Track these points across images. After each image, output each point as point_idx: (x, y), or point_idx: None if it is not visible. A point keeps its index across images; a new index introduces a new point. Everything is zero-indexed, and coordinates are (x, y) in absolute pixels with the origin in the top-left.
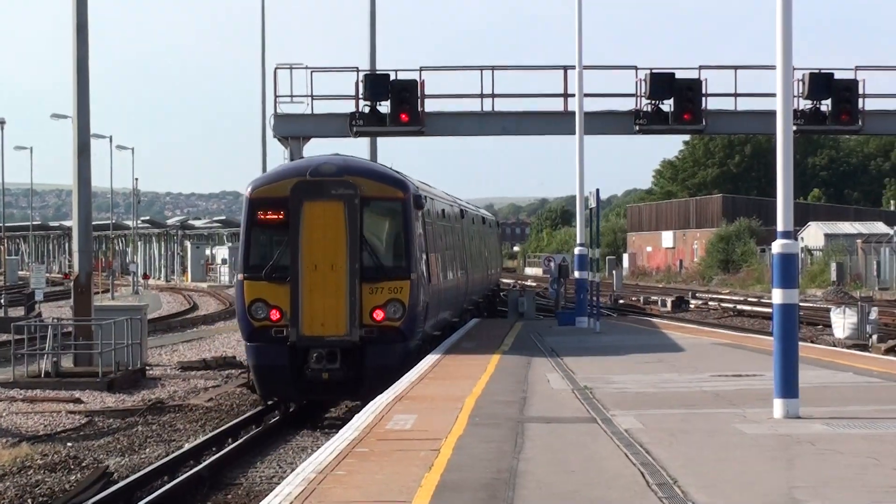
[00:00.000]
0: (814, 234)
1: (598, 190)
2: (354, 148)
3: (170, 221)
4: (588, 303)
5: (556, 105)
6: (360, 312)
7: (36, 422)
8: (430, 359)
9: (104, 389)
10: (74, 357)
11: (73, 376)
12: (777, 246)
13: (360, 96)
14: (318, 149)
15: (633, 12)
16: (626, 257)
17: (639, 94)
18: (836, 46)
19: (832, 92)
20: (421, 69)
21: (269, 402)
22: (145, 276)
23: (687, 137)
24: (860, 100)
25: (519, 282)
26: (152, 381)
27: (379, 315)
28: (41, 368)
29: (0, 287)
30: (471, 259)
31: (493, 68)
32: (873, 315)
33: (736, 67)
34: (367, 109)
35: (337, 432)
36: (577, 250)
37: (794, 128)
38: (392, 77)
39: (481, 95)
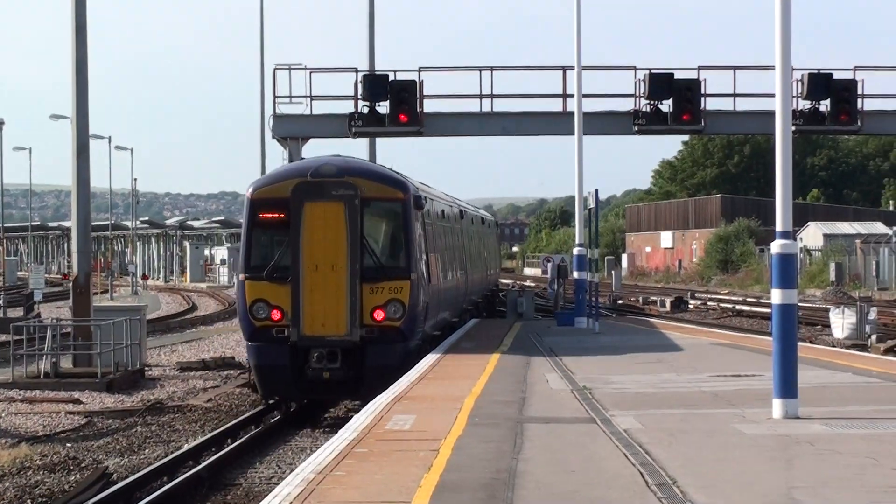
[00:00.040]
0: (813, 235)
1: (596, 190)
2: (353, 148)
3: (169, 222)
4: (587, 303)
5: (555, 105)
6: (360, 312)
7: (35, 422)
8: (429, 359)
9: (103, 390)
10: (73, 358)
11: (73, 377)
12: (776, 246)
13: (359, 97)
14: (316, 149)
15: (632, 12)
16: (624, 257)
17: (638, 94)
18: (835, 47)
19: (831, 92)
20: (420, 69)
21: (270, 402)
22: (144, 277)
23: (686, 138)
24: (859, 100)
25: (518, 282)
26: (151, 381)
27: (379, 315)
28: (40, 369)
29: None
30: (470, 259)
31: (492, 69)
32: (872, 315)
33: (735, 68)
34: (366, 110)
35: (337, 432)
36: (575, 250)
37: (793, 128)
38: (391, 77)
39: (480, 96)
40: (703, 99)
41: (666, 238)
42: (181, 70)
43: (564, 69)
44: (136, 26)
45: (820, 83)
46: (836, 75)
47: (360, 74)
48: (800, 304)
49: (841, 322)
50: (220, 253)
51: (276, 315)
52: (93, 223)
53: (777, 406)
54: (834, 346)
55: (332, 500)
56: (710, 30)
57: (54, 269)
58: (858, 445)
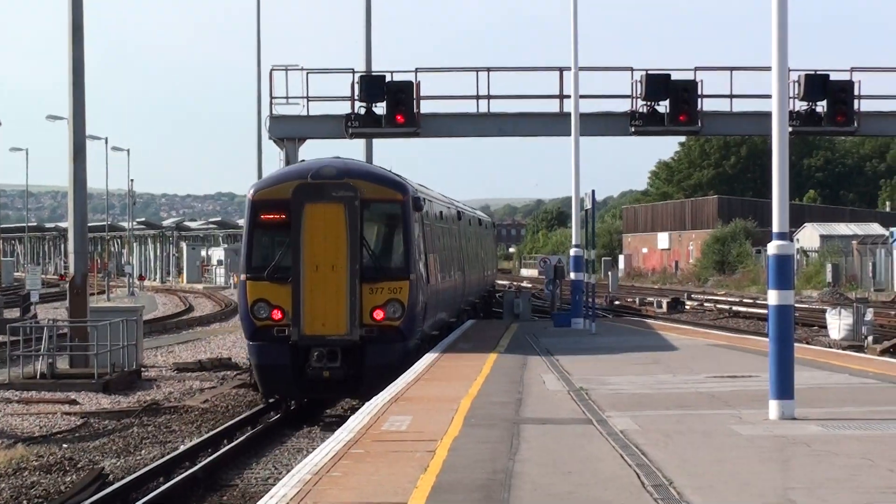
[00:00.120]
0: (809, 236)
1: (593, 191)
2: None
3: (165, 223)
4: (584, 304)
5: (552, 106)
6: (360, 312)
7: (31, 423)
8: (425, 360)
9: (100, 391)
10: (70, 358)
11: (69, 378)
12: (772, 247)
13: (356, 97)
14: (313, 150)
15: (629, 13)
16: (621, 258)
17: (634, 95)
18: (832, 48)
19: (828, 93)
20: (417, 70)
21: (269, 401)
22: (141, 278)
23: (683, 139)
24: (856, 101)
25: (514, 283)
26: (148, 382)
27: (379, 315)
28: (37, 370)
29: None
30: (468, 260)
31: (488, 69)
32: (869, 316)
33: (732, 69)
34: (362, 111)
35: (336, 430)
36: (572, 251)
37: (790, 129)
38: (388, 78)
39: (477, 97)
40: (699, 100)
41: (662, 239)
42: (178, 71)
43: (561, 70)
44: (133, 27)
45: (817, 84)
46: (833, 76)
47: (357, 75)
48: (796, 305)
49: (837, 323)
50: (217, 254)
51: (276, 315)
52: (89, 224)
53: (773, 407)
54: (830, 348)
55: (329, 500)
56: (707, 31)
57: (51, 269)
58: (854, 446)
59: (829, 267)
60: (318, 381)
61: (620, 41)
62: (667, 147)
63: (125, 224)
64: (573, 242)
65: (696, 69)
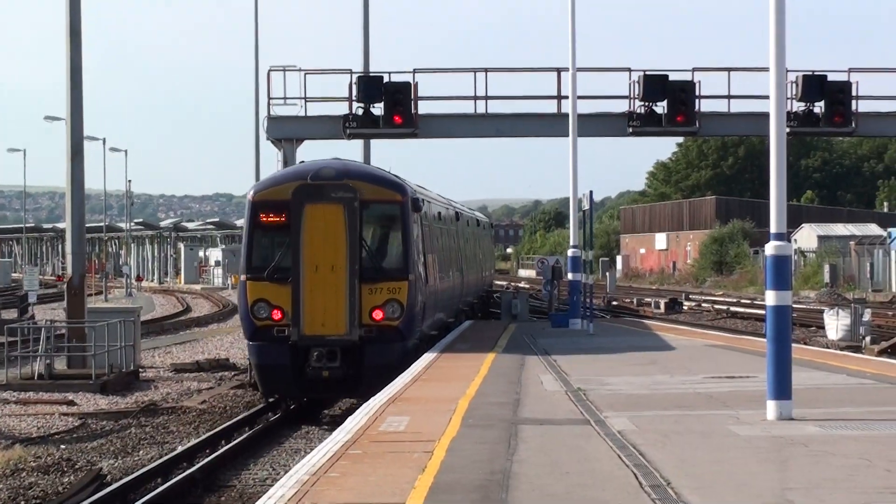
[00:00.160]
0: (807, 236)
1: (591, 192)
2: (348, 150)
3: (163, 223)
4: (581, 305)
5: (550, 107)
6: (359, 312)
7: (29, 424)
8: (423, 360)
9: (97, 391)
10: (68, 359)
11: (67, 378)
12: (770, 248)
13: (354, 98)
14: (311, 151)
15: (627, 14)
16: (619, 259)
17: (632, 95)
18: (830, 48)
19: (825, 94)
20: (414, 71)
21: (269, 401)
22: (139, 279)
23: (680, 139)
24: (853, 101)
25: (512, 283)
26: (145, 383)
27: (378, 315)
28: (34, 371)
29: None
30: (466, 261)
31: (486, 70)
32: (866, 317)
33: (729, 69)
34: (360, 111)
35: (335, 429)
36: (570, 252)
37: (788, 130)
38: (385, 79)
39: (475, 97)
40: (697, 100)
41: (660, 240)
42: (176, 71)
43: (559, 70)
44: (131, 27)
45: (814, 85)
46: (831, 77)
47: (355, 76)
48: (794, 305)
49: (835, 324)
50: (215, 254)
51: (276, 315)
52: (87, 225)
53: (771, 407)
54: (828, 348)
55: (326, 501)
56: (705, 31)
57: (49, 270)
58: (852, 447)
59: (826, 267)
60: (318, 380)
61: (618, 42)
62: (664, 148)
63: (123, 225)
64: (571, 243)
65: (693, 70)
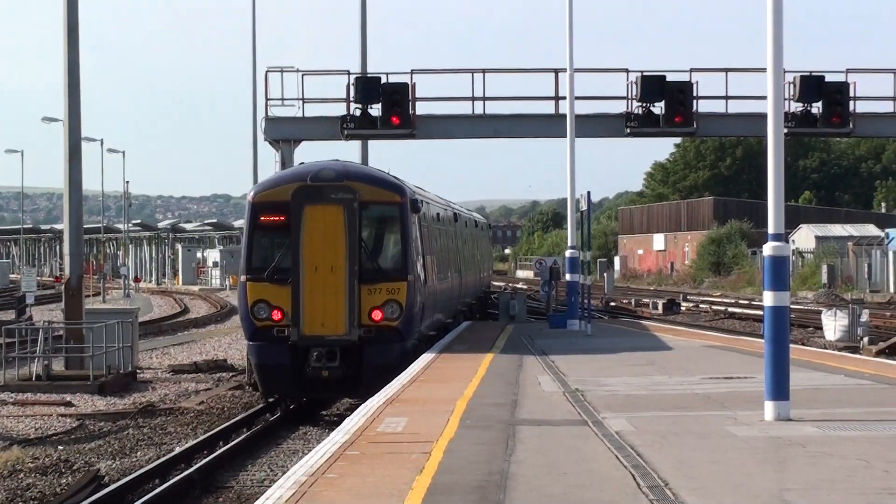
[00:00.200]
0: (805, 237)
1: (589, 192)
2: (346, 151)
3: (161, 224)
4: (579, 305)
5: (548, 108)
6: (358, 313)
7: (27, 425)
8: (421, 361)
9: (95, 393)
10: (65, 360)
11: (65, 379)
12: (768, 248)
13: (351, 99)
14: (308, 151)
15: (625, 14)
16: (617, 260)
17: (630, 96)
18: (827, 49)
19: (823, 94)
20: (412, 72)
21: (270, 400)
22: (136, 280)
23: (678, 140)
24: (851, 102)
25: (510, 284)
26: (143, 384)
27: (377, 315)
28: (32, 372)
29: None
30: (464, 262)
31: (484, 71)
32: (864, 317)
33: (727, 70)
34: (358, 112)
35: (332, 432)
36: (568, 253)
37: (785, 130)
38: (383, 80)
39: (472, 98)
40: (695, 101)
41: (658, 240)
42: (173, 72)
43: (557, 71)
44: (128, 28)
45: (812, 85)
46: (829, 77)
47: (353, 77)
48: (792, 306)
49: (833, 324)
50: (213, 255)
51: (276, 315)
52: (85, 226)
53: (769, 408)
54: (826, 349)
55: (324, 502)
56: (703, 32)
57: (46, 271)
58: (850, 448)
59: (824, 268)
60: (318, 380)
61: (616, 43)
62: (662, 148)
63: (121, 226)
64: (569, 244)
65: (691, 70)
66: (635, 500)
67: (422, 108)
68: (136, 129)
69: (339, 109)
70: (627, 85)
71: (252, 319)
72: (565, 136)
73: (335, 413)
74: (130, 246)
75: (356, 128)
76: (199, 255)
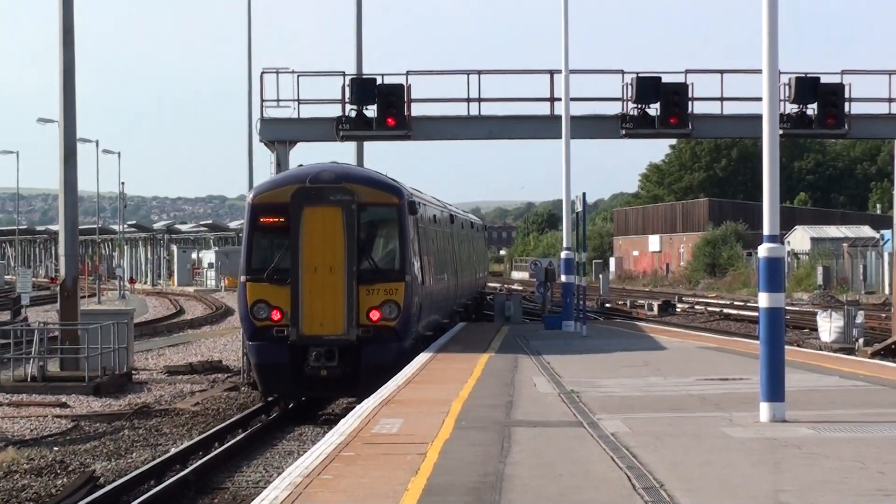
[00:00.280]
0: (800, 238)
1: (584, 194)
2: (341, 152)
3: (156, 225)
4: (574, 307)
5: (543, 109)
6: (357, 313)
7: (22, 426)
8: (416, 362)
9: (90, 394)
10: (61, 361)
11: (60, 381)
12: (763, 250)
13: (347, 100)
14: (304, 153)
15: (620, 16)
16: (612, 261)
17: (625, 97)
18: (823, 51)
19: (818, 96)
20: (407, 73)
21: (269, 399)
22: (132, 281)
23: (673, 141)
24: (846, 104)
25: (505, 285)
26: (139, 385)
27: (375, 315)
28: (27, 373)
29: None
30: (460, 263)
31: (479, 72)
32: (859, 319)
33: (722, 71)
34: (353, 114)
35: (328, 433)
36: (563, 254)
37: (781, 132)
38: (378, 81)
39: (468, 99)
40: (690, 102)
41: (653, 242)
42: (169, 73)
43: (552, 73)
44: (123, 29)
45: (807, 87)
46: (824, 79)
47: (348, 78)
48: (787, 307)
49: (828, 326)
50: (208, 256)
51: (276, 315)
52: (80, 227)
53: (764, 409)
54: (821, 350)
55: (319, 503)
56: (698, 34)
57: (42, 272)
58: (845, 449)
59: (819, 269)
60: (316, 379)
61: (611, 44)
62: (657, 150)
63: (116, 227)
64: (564, 245)
65: (686, 72)
66: (630, 502)
67: (417, 110)
68: (131, 130)
69: (334, 110)
70: (623, 86)
71: (252, 319)
72: (561, 138)
73: (333, 413)
74: (126, 247)
75: (352, 129)
76: (194, 256)
